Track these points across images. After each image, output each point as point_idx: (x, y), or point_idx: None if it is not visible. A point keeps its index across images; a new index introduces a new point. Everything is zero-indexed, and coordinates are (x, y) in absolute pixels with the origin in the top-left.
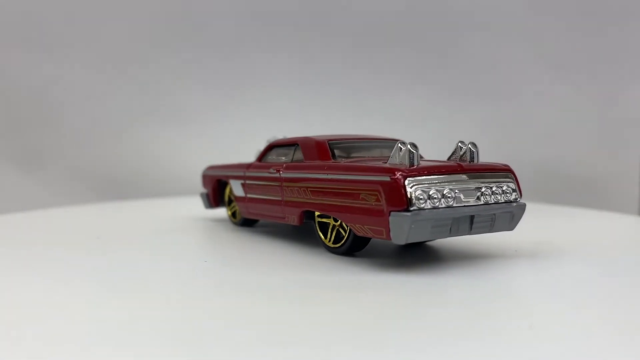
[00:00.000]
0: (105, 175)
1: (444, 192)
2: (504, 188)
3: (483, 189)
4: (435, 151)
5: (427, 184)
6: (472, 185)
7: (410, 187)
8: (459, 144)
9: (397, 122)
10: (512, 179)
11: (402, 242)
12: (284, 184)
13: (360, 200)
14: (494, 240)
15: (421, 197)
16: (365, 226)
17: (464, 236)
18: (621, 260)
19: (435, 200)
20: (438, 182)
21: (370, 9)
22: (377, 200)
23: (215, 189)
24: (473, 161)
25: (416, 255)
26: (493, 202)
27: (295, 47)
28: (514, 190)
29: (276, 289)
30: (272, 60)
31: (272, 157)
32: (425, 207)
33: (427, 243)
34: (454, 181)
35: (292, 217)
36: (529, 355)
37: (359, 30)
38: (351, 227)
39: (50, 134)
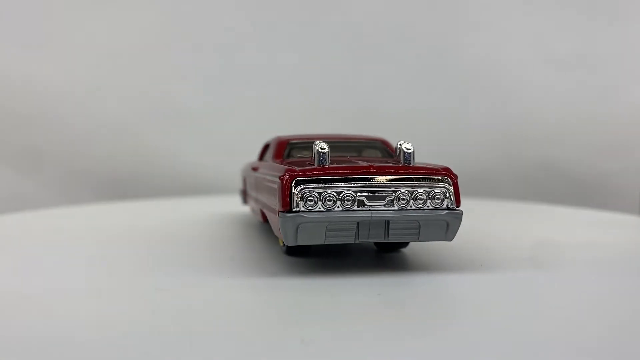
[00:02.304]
0: (106, 175)
1: (343, 195)
2: (433, 193)
3: (399, 193)
4: (434, 151)
5: (323, 185)
6: (386, 188)
7: (297, 188)
8: (397, 144)
9: (398, 121)
10: (449, 184)
11: (291, 243)
12: (257, 182)
13: (273, 199)
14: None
15: (311, 198)
16: (275, 226)
17: (460, 241)
18: (621, 261)
19: (330, 203)
20: (339, 184)
21: (371, 9)
22: (276, 200)
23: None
24: (409, 163)
25: (391, 262)
26: (414, 207)
27: (296, 46)
28: (446, 197)
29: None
30: (273, 59)
31: (265, 156)
32: (315, 210)
33: (403, 250)
34: (362, 184)
35: (259, 215)
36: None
37: (360, 30)
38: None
39: (50, 133)
